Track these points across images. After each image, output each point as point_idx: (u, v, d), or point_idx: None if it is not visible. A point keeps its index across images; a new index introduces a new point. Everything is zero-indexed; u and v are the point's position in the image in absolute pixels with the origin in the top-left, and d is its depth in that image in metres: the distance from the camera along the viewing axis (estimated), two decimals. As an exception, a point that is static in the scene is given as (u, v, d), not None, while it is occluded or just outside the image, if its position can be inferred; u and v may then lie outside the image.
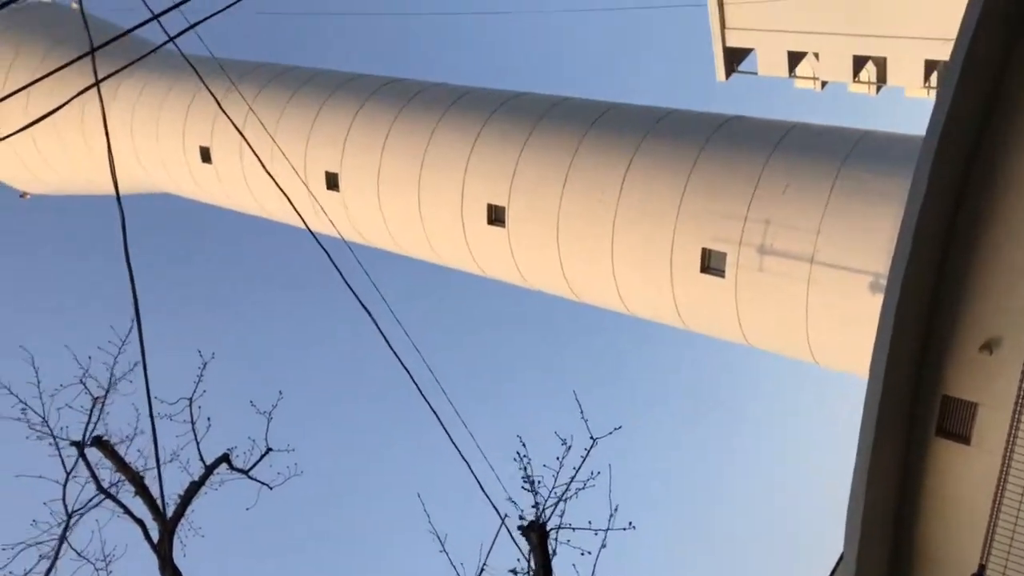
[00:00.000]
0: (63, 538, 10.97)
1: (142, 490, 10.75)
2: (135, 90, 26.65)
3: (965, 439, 11.80)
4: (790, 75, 33.24)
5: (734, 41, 33.19)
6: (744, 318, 17.74)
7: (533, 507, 9.93)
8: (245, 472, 12.01)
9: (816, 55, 31.99)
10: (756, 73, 34.20)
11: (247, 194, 24.98)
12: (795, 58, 32.92)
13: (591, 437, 10.15)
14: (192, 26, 8.54)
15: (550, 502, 9.84)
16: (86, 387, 11.51)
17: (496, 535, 9.84)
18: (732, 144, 17.78)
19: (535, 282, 20.97)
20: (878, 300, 15.62)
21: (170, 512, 10.54)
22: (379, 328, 9.79)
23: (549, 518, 9.72)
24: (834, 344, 17.00)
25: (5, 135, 9.21)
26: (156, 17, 9.27)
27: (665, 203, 17.84)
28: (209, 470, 11.32)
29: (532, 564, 9.79)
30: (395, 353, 9.99)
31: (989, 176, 11.82)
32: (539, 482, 10.05)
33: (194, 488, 11.03)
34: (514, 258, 20.49)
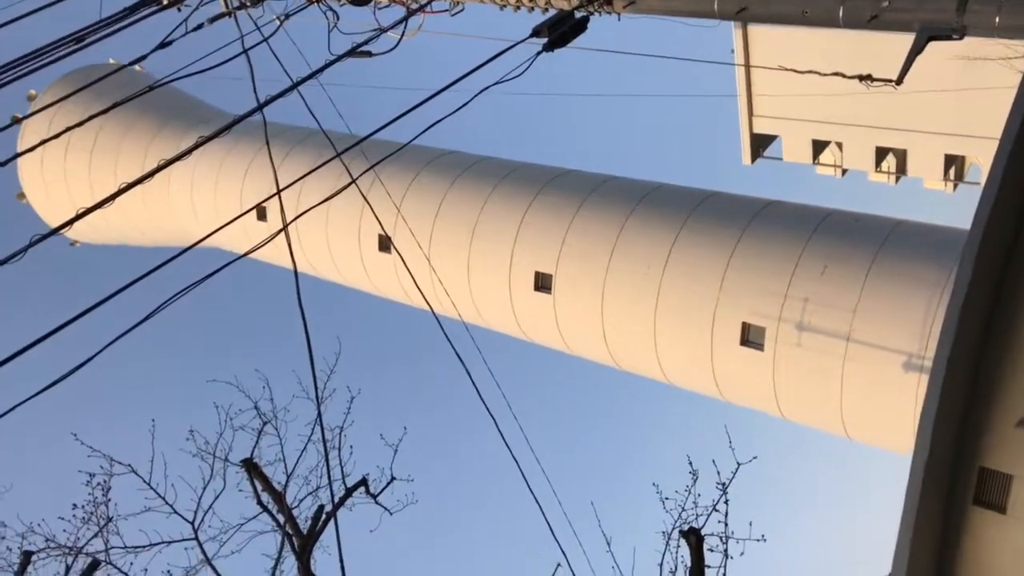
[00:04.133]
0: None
1: (286, 509, 11.67)
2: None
3: (1001, 508, 12.62)
4: (813, 162, 34.81)
5: (761, 128, 34.89)
6: (780, 391, 18.68)
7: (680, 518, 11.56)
8: (374, 497, 12.98)
9: (839, 144, 33.60)
10: (781, 159, 35.80)
11: (299, 253, 26.20)
12: (819, 146, 34.53)
13: (737, 462, 12.03)
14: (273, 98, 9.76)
15: (700, 513, 11.31)
16: (259, 412, 12.91)
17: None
18: (773, 226, 19.00)
19: (577, 348, 21.97)
20: (912, 378, 16.63)
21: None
22: (479, 393, 10.79)
23: (703, 525, 10.89)
24: (867, 419, 17.91)
25: (102, 201, 10.33)
26: (261, 107, 10.49)
27: (708, 278, 18.96)
28: (349, 492, 12.27)
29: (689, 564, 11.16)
30: (491, 415, 10.98)
31: None
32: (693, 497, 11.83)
33: (335, 507, 11.94)
34: (558, 324, 21.53)
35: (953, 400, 13.26)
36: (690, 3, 7.26)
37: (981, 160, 29.29)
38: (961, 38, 6.03)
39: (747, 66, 31.44)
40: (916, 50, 6.08)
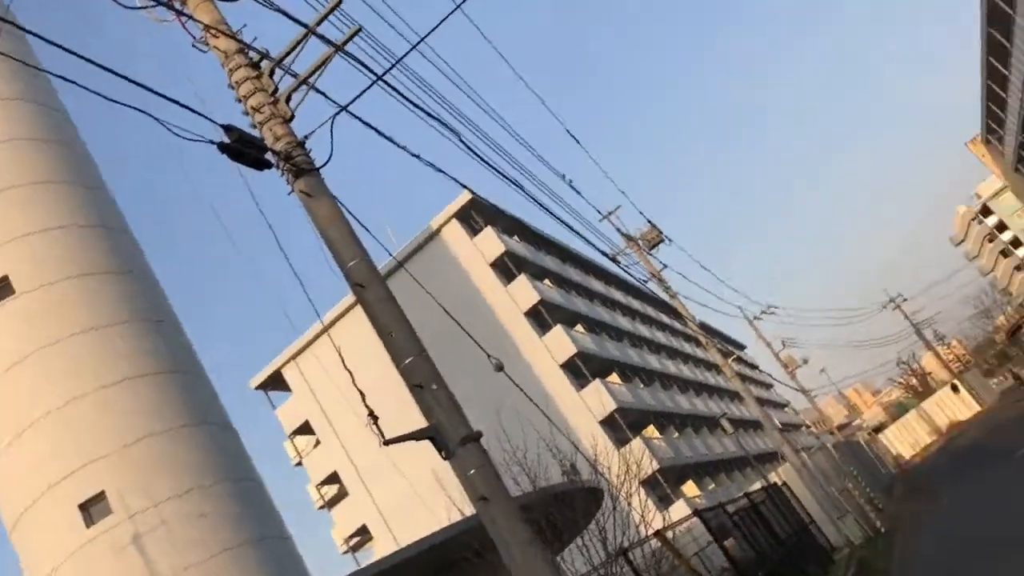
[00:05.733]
0: None
1: None
2: None
3: None
4: (290, 436, 35.57)
5: (289, 372, 35.48)
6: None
7: None
8: None
9: (318, 443, 34.92)
10: (274, 407, 36.24)
11: None
12: (304, 428, 35.62)
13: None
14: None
15: None
16: None
17: None
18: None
19: None
20: None
21: None
22: None
23: None
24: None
25: None
26: None
27: None
28: None
29: None
30: None
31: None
32: None
33: None
34: None
35: None
36: (341, 242, 7.59)
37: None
38: (446, 459, 6.83)
39: (324, 331, 32.77)
40: (417, 436, 6.75)
